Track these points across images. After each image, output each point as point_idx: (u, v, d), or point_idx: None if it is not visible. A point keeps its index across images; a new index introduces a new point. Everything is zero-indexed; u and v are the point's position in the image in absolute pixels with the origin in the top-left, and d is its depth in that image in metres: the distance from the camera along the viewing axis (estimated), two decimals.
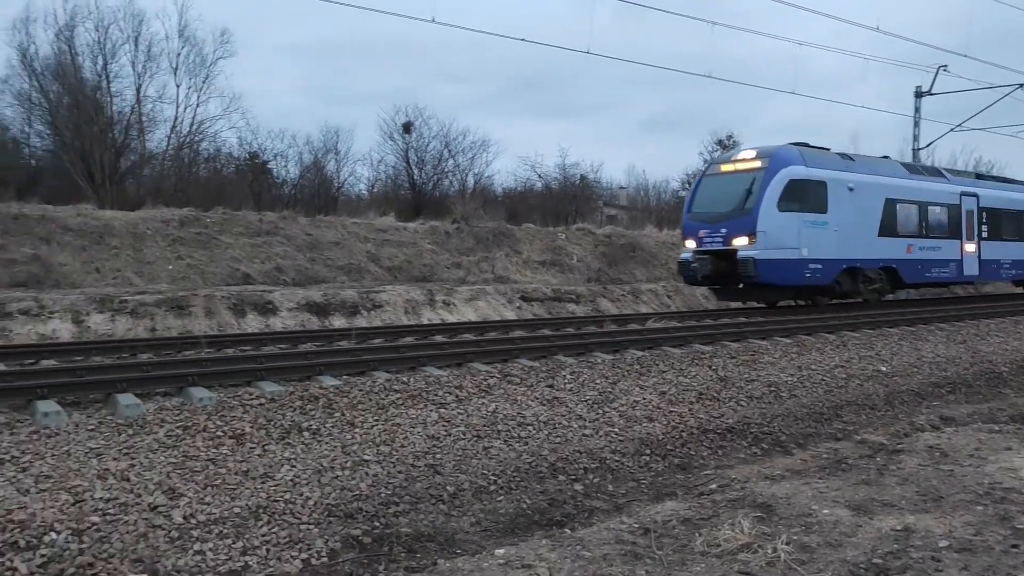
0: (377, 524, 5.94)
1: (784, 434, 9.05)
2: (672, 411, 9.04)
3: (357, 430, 7.28)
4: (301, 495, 6.06)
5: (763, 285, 17.07)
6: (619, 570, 4.29)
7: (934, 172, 22.12)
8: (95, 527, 5.24)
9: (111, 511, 5.45)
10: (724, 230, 16.93)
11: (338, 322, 16.67)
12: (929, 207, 20.45)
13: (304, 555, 5.44)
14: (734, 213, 16.91)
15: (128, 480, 5.89)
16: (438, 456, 7.09)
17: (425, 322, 16.87)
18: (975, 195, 22.07)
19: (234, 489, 6.00)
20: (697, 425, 8.83)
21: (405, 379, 8.70)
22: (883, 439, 7.89)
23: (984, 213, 22.27)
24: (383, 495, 6.32)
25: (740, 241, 16.58)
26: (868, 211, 18.64)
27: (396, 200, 37.15)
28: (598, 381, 9.51)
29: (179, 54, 34.31)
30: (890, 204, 19.28)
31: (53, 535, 5.07)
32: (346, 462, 6.68)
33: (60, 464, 6.01)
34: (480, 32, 46.61)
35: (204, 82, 34.80)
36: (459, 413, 7.98)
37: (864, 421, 9.86)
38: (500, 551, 4.61)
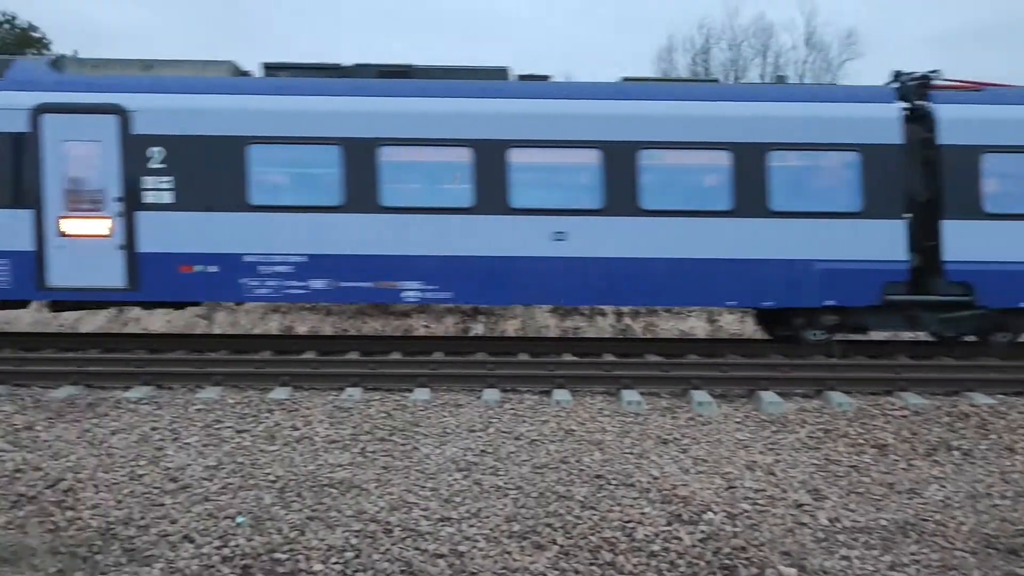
0: None
1: None
2: None
3: (1018, 457, 6.47)
4: (953, 518, 5.60)
5: None
6: None
7: None
8: (746, 514, 5.57)
9: (760, 501, 5.74)
10: None
11: None
12: None
13: None
14: None
15: (773, 474, 6.15)
16: None
17: None
18: (116, 112, 9.40)
19: (879, 500, 5.82)
20: None
21: None
22: None
23: (162, 150, 9.42)
24: None
25: None
26: None
27: None
28: None
29: (805, 61, 35.10)
30: None
31: (710, 514, 5.53)
32: (1006, 490, 5.97)
33: (713, 450, 6.55)
34: None
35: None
36: None
37: None
38: None
